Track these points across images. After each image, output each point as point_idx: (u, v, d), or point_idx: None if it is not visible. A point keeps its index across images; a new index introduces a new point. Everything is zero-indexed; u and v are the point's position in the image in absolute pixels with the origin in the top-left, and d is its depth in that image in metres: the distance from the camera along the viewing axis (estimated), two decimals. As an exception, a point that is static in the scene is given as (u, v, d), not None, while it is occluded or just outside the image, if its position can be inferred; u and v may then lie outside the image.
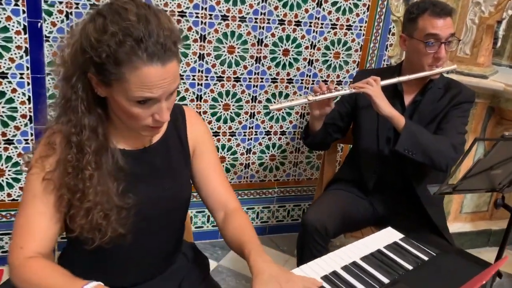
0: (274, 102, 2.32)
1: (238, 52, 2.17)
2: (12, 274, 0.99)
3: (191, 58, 2.10)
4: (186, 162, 1.17)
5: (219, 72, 2.18)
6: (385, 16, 2.33)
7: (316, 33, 2.26)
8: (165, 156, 1.13)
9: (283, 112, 2.37)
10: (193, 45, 2.09)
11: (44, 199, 1.00)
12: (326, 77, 2.36)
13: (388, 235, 1.24)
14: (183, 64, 2.09)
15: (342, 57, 2.35)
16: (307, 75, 2.32)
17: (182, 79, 2.12)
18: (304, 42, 2.26)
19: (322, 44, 2.29)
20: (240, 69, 2.20)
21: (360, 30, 2.32)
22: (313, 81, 2.34)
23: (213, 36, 2.10)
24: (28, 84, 1.88)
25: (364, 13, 2.30)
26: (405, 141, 1.65)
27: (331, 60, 2.34)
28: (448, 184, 1.29)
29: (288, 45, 2.24)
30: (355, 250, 1.15)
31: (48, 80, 1.91)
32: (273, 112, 2.34)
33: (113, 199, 1.00)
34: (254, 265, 0.98)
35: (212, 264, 2.31)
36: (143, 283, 1.16)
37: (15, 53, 1.83)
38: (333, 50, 2.32)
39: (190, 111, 1.21)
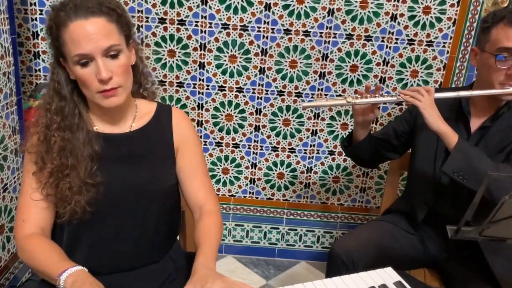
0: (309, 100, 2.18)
1: (300, 67, 2.11)
2: (18, 247, 1.11)
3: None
4: (169, 155, 1.20)
5: (283, 86, 2.14)
6: (475, 32, 2.04)
7: (390, 48, 2.08)
8: (143, 144, 1.17)
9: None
10: (254, 58, 2.09)
11: (30, 169, 1.10)
12: (400, 97, 2.15)
13: (382, 275, 1.06)
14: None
15: (421, 76, 2.12)
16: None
17: (241, 91, 2.13)
18: (375, 58, 2.09)
19: (396, 61, 2.09)
20: (302, 85, 2.13)
21: (444, 46, 2.07)
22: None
23: (274, 50, 2.08)
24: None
25: (449, 28, 2.04)
26: (455, 161, 1.41)
27: (407, 79, 2.12)
28: (473, 228, 1.05)
29: (357, 61, 2.10)
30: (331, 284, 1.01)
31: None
32: (338, 130, 2.21)
33: (81, 175, 1.07)
34: (194, 266, 1.01)
35: (260, 281, 2.26)
36: (119, 272, 1.18)
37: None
38: (409, 68, 2.10)
39: (177, 111, 1.25)
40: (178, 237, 1.36)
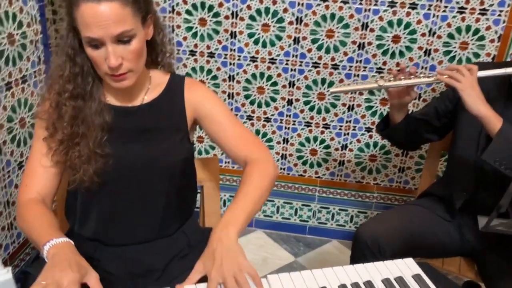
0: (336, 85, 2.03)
1: (338, 37, 1.98)
2: (17, 211, 1.11)
3: (285, 42, 2.01)
4: (181, 128, 1.15)
5: (314, 58, 2.03)
6: (538, -2, 1.81)
7: (437, 17, 1.89)
8: (154, 117, 1.13)
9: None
10: (288, 27, 1.98)
11: (41, 135, 1.09)
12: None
13: (401, 267, 0.97)
14: (277, 48, 2.01)
15: (471, 48, 1.92)
16: (422, 67, 1.98)
17: (274, 62, 2.04)
18: (421, 28, 1.92)
19: (444, 31, 1.91)
20: (339, 56, 2.00)
21: (499, 15, 1.85)
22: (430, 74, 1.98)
23: (310, 19, 1.95)
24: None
25: (506, -7, 1.82)
26: (497, 149, 1.27)
27: (455, 51, 1.93)
28: (507, 220, 0.93)
29: (400, 31, 1.93)
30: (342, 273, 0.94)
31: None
32: (377, 106, 2.07)
33: (90, 144, 1.05)
34: (213, 231, 0.97)
35: (289, 258, 2.22)
36: (129, 245, 1.16)
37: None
38: (458, 39, 1.91)
39: (191, 81, 1.19)
40: (195, 213, 1.32)
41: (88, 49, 0.99)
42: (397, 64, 1.98)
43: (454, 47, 1.93)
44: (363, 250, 1.45)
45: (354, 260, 1.49)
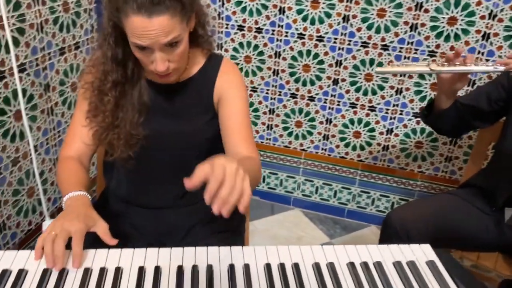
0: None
1: (390, 16, 1.90)
2: (57, 164, 1.20)
3: (334, 20, 1.96)
4: (208, 108, 1.17)
5: (364, 37, 1.97)
6: None
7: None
8: (186, 96, 1.16)
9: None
10: (338, 4, 1.93)
11: (82, 108, 1.16)
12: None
13: (415, 251, 0.95)
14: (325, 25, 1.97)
15: (537, 34, 1.78)
16: (479, 52, 1.86)
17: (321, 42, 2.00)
18: (480, 10, 1.80)
19: (506, 14, 1.78)
20: (390, 37, 1.93)
21: None
22: (487, 59, 1.86)
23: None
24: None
25: None
26: None
27: (518, 36, 1.80)
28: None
29: (457, 12, 1.82)
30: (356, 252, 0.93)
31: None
32: (426, 90, 1.99)
33: (127, 127, 1.11)
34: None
35: (323, 239, 2.22)
36: (157, 208, 1.23)
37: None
38: (523, 23, 1.78)
39: (228, 61, 1.20)
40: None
41: (135, 50, 1.01)
42: (452, 48, 1.88)
43: (517, 32, 1.80)
44: (391, 235, 1.43)
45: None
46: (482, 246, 1.48)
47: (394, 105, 2.06)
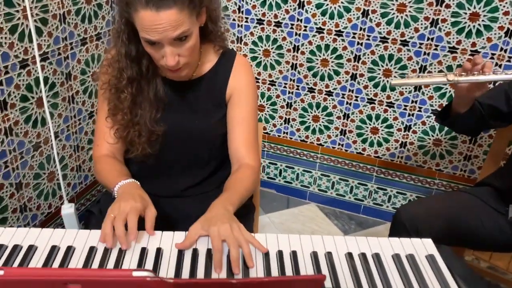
0: (398, 76, 1.94)
1: (410, 11, 1.88)
2: (94, 167, 1.25)
3: (354, 14, 1.95)
4: (219, 106, 1.20)
5: (384, 32, 1.95)
6: None
7: (525, -6, 1.72)
8: (199, 93, 1.19)
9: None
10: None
11: (104, 108, 1.19)
12: (530, 55, 1.79)
13: (416, 245, 0.95)
14: (345, 20, 1.97)
15: (563, 31, 1.73)
16: (501, 49, 1.82)
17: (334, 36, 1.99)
18: (504, 6, 1.75)
19: (531, 10, 1.73)
20: (410, 32, 1.91)
21: None
22: (510, 57, 1.82)
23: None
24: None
25: None
26: None
27: (542, 33, 1.75)
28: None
29: (479, 8, 1.79)
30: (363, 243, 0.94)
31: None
32: (446, 87, 1.96)
33: (148, 124, 1.14)
34: (211, 204, 1.01)
35: (338, 234, 2.22)
36: (171, 197, 1.26)
37: None
38: (548, 19, 1.73)
39: (241, 59, 1.22)
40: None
41: (146, 46, 1.04)
42: (458, 43, 1.84)
43: (542, 29, 1.75)
44: (400, 231, 1.42)
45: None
46: (495, 246, 1.46)
47: (412, 102, 2.04)
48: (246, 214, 1.36)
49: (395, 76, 2.01)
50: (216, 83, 1.19)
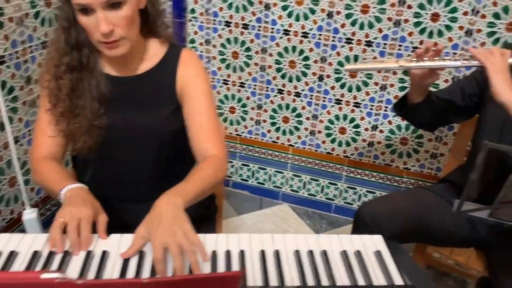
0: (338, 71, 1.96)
1: (373, 12, 1.91)
2: (32, 166, 1.21)
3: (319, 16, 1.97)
4: (170, 101, 1.18)
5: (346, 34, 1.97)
6: None
7: (482, -5, 1.76)
8: (147, 88, 1.17)
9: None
10: (322, 1, 1.94)
11: (45, 105, 1.17)
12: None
13: (365, 242, 0.96)
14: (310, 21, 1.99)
15: (520, 30, 1.77)
16: (462, 48, 1.86)
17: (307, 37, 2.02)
18: (463, 6, 1.79)
19: (489, 10, 1.77)
20: (374, 33, 1.94)
21: (554, -6, 1.68)
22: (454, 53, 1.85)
23: (344, -8, 1.90)
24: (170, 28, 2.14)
25: None
26: None
27: (500, 33, 1.79)
28: (480, 206, 0.89)
29: (440, 9, 1.82)
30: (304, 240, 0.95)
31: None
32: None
33: (88, 116, 1.12)
34: (156, 201, 0.96)
35: (309, 233, 2.22)
36: (123, 202, 1.23)
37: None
38: (505, 20, 1.77)
39: (188, 52, 1.21)
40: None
41: (80, 17, 1.01)
42: (421, 43, 1.88)
43: (500, 28, 1.78)
44: (362, 229, 1.44)
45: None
46: (455, 242, 1.49)
47: (378, 101, 2.06)
48: (208, 215, 1.36)
49: (361, 73, 2.04)
50: (164, 77, 1.17)
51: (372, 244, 0.96)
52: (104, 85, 1.13)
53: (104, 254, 0.89)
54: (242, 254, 0.90)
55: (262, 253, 0.91)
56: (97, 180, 1.23)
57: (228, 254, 0.90)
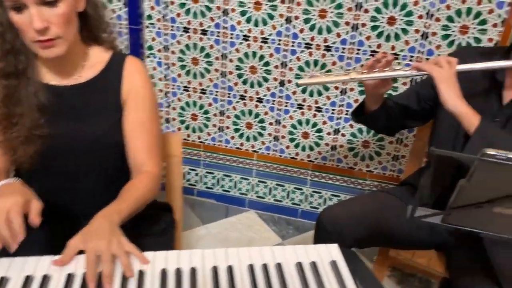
0: (305, 76, 1.99)
1: (331, 17, 1.91)
2: None
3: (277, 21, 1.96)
4: (117, 110, 1.14)
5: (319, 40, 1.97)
6: (547, -21, 1.67)
7: (436, -1, 1.79)
8: (89, 97, 1.12)
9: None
10: (279, 6, 1.93)
11: None
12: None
13: (321, 252, 0.95)
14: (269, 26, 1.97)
15: (472, 33, 1.80)
16: (419, 51, 1.88)
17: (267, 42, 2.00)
18: (418, 10, 1.82)
19: (443, 14, 1.80)
20: (333, 37, 1.94)
21: (504, -3, 1.73)
22: (427, 59, 1.88)
23: (302, -3, 1.90)
24: (126, 34, 2.09)
25: (512, -27, 1.69)
26: (474, 150, 1.19)
27: (455, 35, 1.82)
28: (433, 211, 0.89)
29: (395, 12, 1.84)
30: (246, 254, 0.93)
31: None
32: (370, 92, 2.00)
33: (27, 125, 1.06)
34: (94, 218, 0.95)
35: (276, 240, 2.21)
36: (78, 216, 1.17)
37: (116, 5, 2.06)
38: (458, 22, 1.80)
39: (133, 60, 1.17)
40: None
41: (12, 15, 0.96)
42: (393, 48, 1.90)
43: (454, 31, 1.82)
44: (323, 236, 1.43)
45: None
46: (416, 244, 1.50)
47: (339, 105, 2.07)
48: (163, 230, 1.31)
49: (302, 77, 2.04)
50: (109, 86, 1.13)
51: (328, 253, 0.95)
52: (42, 94, 1.07)
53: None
54: (193, 271, 0.87)
55: (215, 270, 0.88)
56: (41, 194, 1.17)
57: (178, 272, 0.87)
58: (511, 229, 0.81)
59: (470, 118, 1.20)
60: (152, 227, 1.26)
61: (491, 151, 0.67)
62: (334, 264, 0.91)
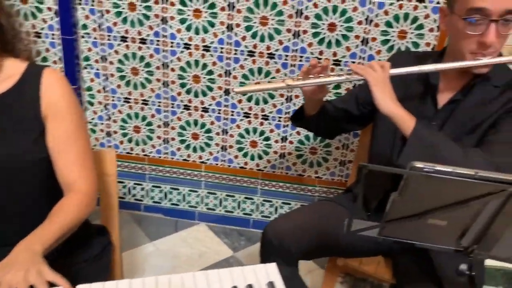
0: (242, 84, 1.99)
1: (272, 24, 1.89)
2: None
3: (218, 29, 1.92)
4: (35, 126, 1.05)
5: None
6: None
7: (374, 4, 1.80)
8: (5, 113, 1.03)
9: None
10: (220, 13, 1.89)
11: None
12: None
13: (258, 273, 0.90)
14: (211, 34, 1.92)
15: (410, 37, 1.83)
16: (360, 57, 1.89)
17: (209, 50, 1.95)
18: (357, 16, 1.82)
19: (381, 19, 1.82)
20: (275, 45, 1.92)
21: (438, 2, 1.76)
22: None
23: (243, 5, 1.86)
24: (59, 45, 1.98)
25: (445, -21, 1.73)
26: (412, 152, 1.19)
27: (394, 40, 1.84)
28: (369, 224, 0.86)
29: (336, 19, 1.84)
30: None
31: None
32: (315, 98, 1.99)
33: None
34: (15, 247, 0.89)
35: (227, 252, 2.16)
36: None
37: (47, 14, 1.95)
38: (397, 27, 1.82)
39: (51, 71, 1.08)
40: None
41: None
42: (335, 54, 1.90)
43: (393, 36, 1.84)
44: (269, 250, 1.40)
45: (263, 260, 1.43)
46: (362, 253, 1.49)
47: (285, 113, 2.05)
48: (98, 255, 1.22)
49: (238, 86, 2.01)
50: (25, 100, 1.04)
51: (266, 274, 0.90)
52: None
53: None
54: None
55: (143, 301, 0.82)
56: None
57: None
58: (445, 239, 0.80)
59: (406, 121, 1.20)
60: (86, 252, 1.18)
61: (419, 164, 0.65)
62: (271, 286, 0.87)
